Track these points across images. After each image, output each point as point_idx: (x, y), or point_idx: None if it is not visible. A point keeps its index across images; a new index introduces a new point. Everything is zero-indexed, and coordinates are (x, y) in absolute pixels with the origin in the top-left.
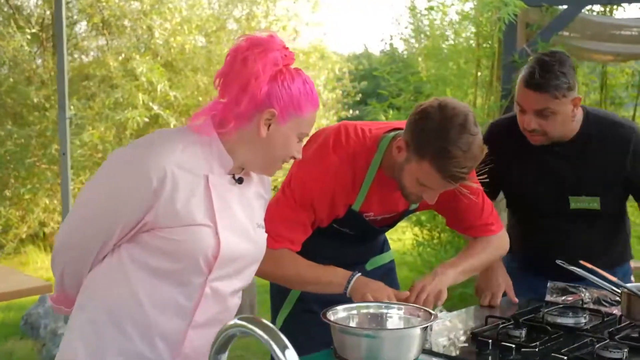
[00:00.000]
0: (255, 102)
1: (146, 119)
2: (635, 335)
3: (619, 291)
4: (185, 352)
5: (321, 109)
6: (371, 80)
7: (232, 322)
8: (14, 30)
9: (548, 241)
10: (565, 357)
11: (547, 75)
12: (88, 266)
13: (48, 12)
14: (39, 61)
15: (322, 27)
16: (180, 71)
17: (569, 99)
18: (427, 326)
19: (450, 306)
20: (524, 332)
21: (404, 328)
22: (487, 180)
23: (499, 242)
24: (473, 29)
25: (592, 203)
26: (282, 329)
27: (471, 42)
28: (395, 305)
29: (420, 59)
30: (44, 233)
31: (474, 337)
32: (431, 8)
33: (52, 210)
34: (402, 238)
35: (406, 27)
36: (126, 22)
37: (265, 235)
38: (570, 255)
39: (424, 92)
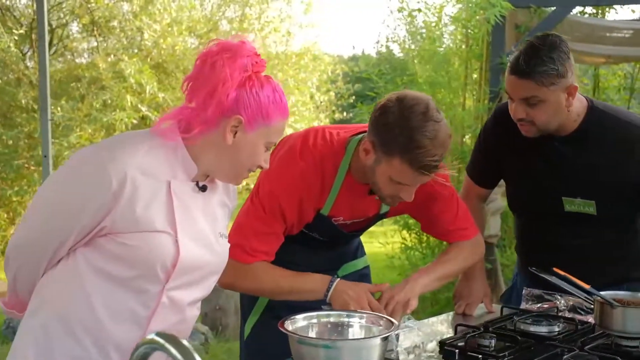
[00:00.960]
0: (222, 107)
1: (135, 121)
2: (607, 344)
3: (592, 299)
4: None
5: (314, 111)
6: (365, 83)
7: (148, 338)
8: (1, 31)
9: (540, 243)
10: None
11: (533, 61)
12: (42, 269)
13: None
14: (30, 63)
15: (316, 29)
16: (170, 73)
17: (560, 87)
18: (388, 336)
19: (438, 310)
20: (493, 342)
21: (363, 338)
22: (489, 167)
23: (474, 247)
24: (462, 31)
25: (587, 207)
26: (250, 337)
27: (461, 44)
28: (357, 314)
29: (416, 60)
30: None
31: (441, 346)
32: (418, 10)
33: None
34: (390, 242)
35: (395, 30)
36: (115, 24)
37: (228, 245)
38: (562, 261)
39: None
